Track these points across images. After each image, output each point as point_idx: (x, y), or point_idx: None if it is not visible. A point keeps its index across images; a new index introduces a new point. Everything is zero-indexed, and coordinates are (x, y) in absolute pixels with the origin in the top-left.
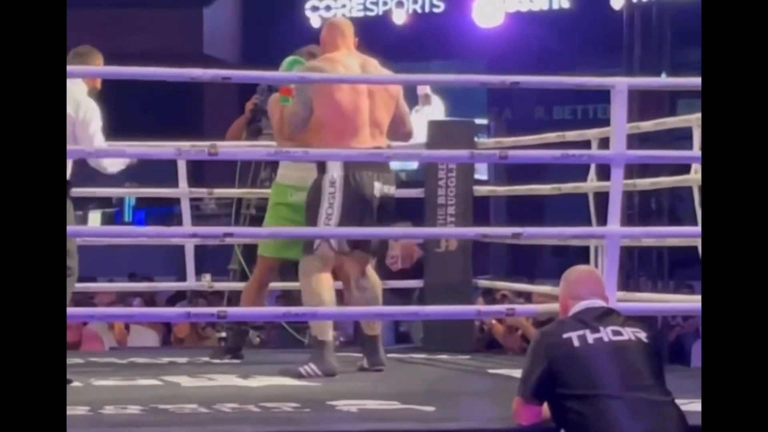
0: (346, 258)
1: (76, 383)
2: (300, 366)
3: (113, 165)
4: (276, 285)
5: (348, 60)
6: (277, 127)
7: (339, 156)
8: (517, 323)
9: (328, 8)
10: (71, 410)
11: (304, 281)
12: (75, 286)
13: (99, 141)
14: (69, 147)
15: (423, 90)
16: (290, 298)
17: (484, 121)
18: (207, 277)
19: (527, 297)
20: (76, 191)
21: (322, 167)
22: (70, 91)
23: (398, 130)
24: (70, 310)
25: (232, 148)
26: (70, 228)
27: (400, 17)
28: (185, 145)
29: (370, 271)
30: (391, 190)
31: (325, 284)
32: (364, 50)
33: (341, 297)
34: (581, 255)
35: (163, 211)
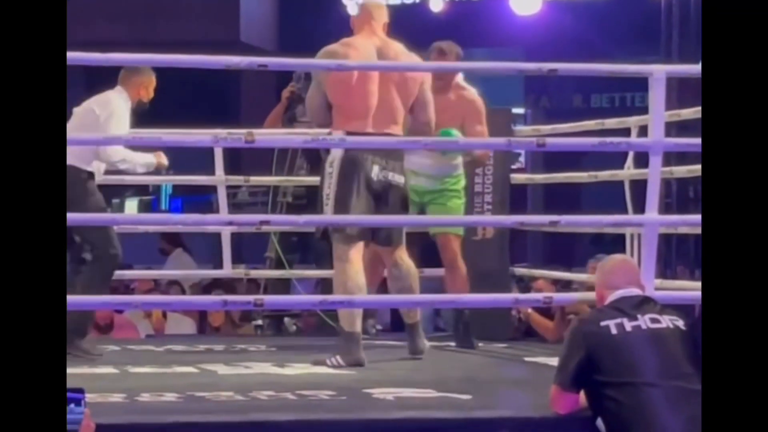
0: (376, 248)
1: (112, 369)
2: (327, 357)
3: (128, 163)
4: (313, 273)
5: (365, 43)
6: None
7: (375, 143)
8: (578, 309)
9: None
10: (108, 397)
11: (337, 268)
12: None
13: (113, 149)
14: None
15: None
16: (328, 285)
17: (521, 110)
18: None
19: (565, 285)
20: (113, 178)
21: (327, 151)
22: (104, 97)
23: (417, 118)
24: (107, 298)
25: (268, 135)
26: (107, 216)
27: (437, 4)
28: (222, 132)
29: (402, 259)
30: (397, 178)
31: (353, 273)
32: (400, 37)
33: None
34: (618, 243)
35: (200, 199)
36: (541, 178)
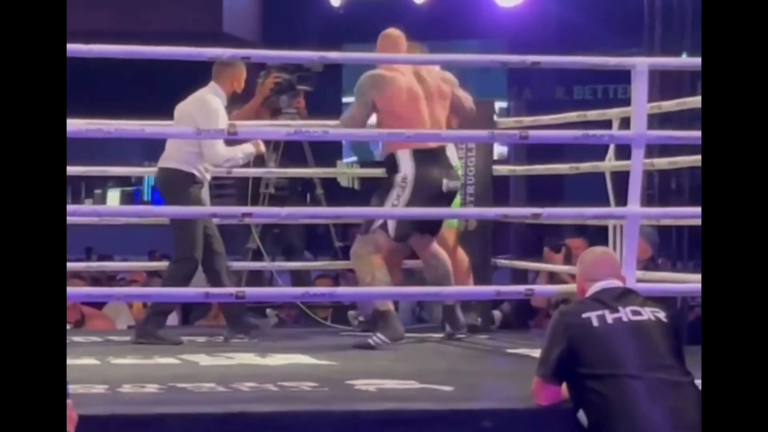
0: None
1: (94, 360)
2: (368, 338)
3: (232, 160)
4: (294, 265)
5: (406, 70)
6: None
7: (361, 135)
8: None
9: None
10: (90, 388)
11: (357, 263)
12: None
13: (216, 144)
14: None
15: None
16: (303, 277)
17: (503, 102)
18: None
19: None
20: (95, 170)
21: (395, 167)
22: (199, 96)
23: (460, 113)
24: (89, 290)
25: (251, 128)
26: (88, 207)
27: None
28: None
29: (436, 248)
30: (457, 185)
31: (377, 264)
32: (383, 29)
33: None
34: (601, 235)
35: None
36: (523, 169)
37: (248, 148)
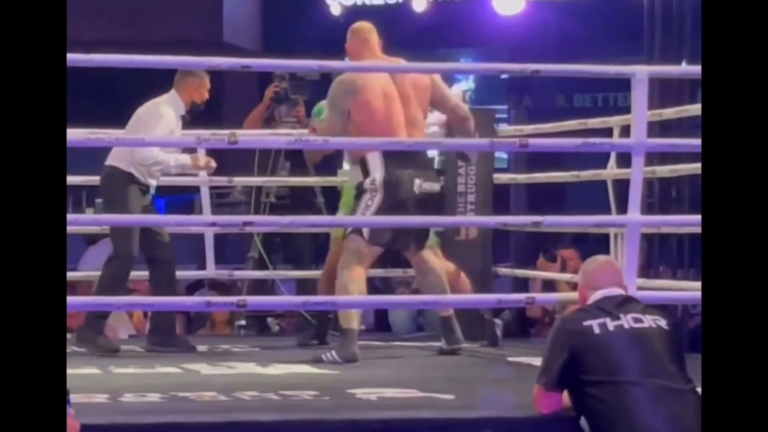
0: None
1: (95, 370)
2: (323, 353)
3: (159, 164)
4: (296, 274)
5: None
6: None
7: (355, 144)
8: None
9: None
10: (91, 398)
11: (339, 274)
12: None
13: (146, 152)
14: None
15: None
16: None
17: (504, 108)
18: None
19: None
20: (94, 180)
21: (365, 171)
22: (158, 100)
23: (452, 117)
24: (89, 299)
25: (251, 136)
26: (89, 216)
27: (420, 5)
28: (205, 133)
29: (428, 256)
30: (434, 186)
31: (356, 277)
32: (383, 38)
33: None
34: (601, 243)
35: (184, 199)
36: (523, 177)
37: (184, 159)
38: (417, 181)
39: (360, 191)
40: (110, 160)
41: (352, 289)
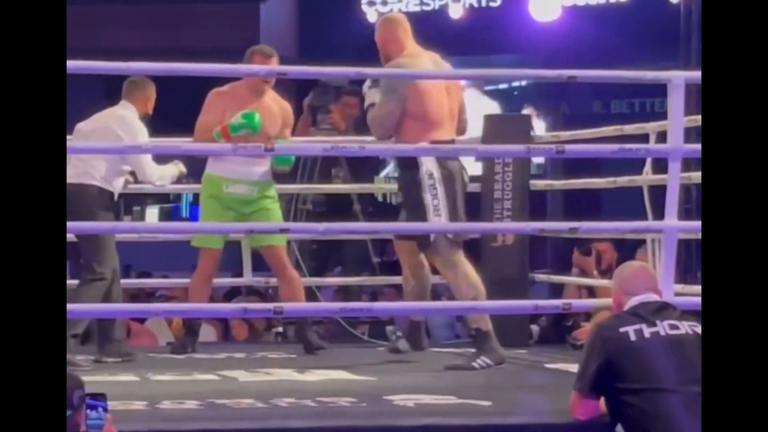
0: (403, 249)
1: (134, 377)
2: (472, 360)
3: (162, 179)
4: (333, 281)
5: (422, 54)
6: None
7: (392, 151)
8: None
9: (384, 3)
10: (129, 405)
11: (451, 273)
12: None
13: (149, 163)
14: (122, 145)
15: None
16: (348, 292)
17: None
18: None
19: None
20: (134, 187)
21: (413, 162)
22: (120, 114)
23: (458, 126)
24: (129, 306)
25: (287, 143)
26: (127, 224)
27: (456, 11)
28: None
29: (425, 260)
30: (467, 180)
31: (471, 270)
32: (421, 44)
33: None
34: (638, 249)
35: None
36: (560, 184)
37: (173, 170)
38: (464, 174)
39: (413, 185)
40: (86, 179)
41: (481, 289)
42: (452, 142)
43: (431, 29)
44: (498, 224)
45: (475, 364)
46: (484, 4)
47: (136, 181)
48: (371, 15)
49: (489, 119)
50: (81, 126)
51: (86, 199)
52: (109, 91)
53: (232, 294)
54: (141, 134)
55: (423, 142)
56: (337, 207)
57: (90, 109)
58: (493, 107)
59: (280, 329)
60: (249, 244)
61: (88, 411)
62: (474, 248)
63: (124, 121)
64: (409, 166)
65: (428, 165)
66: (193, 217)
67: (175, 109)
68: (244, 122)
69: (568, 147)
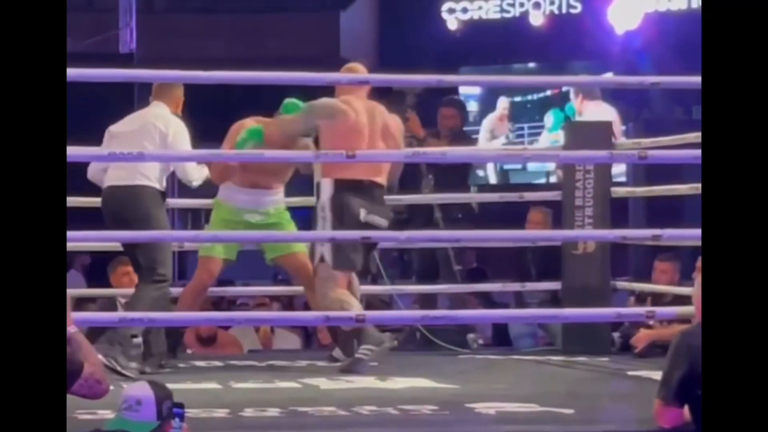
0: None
1: (216, 385)
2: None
3: (199, 181)
4: (413, 288)
5: (357, 102)
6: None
7: (475, 158)
8: None
9: (464, 10)
10: (212, 413)
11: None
12: (171, 291)
13: (191, 164)
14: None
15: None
16: (429, 301)
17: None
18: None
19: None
20: (210, 204)
21: (317, 192)
22: (157, 113)
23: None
24: (211, 314)
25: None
26: (209, 233)
27: (537, 18)
28: None
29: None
30: (382, 222)
31: (341, 294)
32: (500, 50)
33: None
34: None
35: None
36: (642, 191)
37: (207, 172)
38: (362, 211)
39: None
40: (140, 180)
41: (351, 301)
42: (362, 182)
43: (511, 36)
44: (579, 231)
45: (359, 355)
46: (564, 11)
47: None
48: (451, 22)
49: (570, 126)
50: (115, 128)
51: (144, 200)
52: (191, 99)
53: None
54: (183, 131)
55: (325, 178)
56: (418, 215)
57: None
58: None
59: None
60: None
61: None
62: (555, 256)
63: (163, 118)
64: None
65: (324, 198)
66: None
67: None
68: (246, 136)
69: (650, 153)
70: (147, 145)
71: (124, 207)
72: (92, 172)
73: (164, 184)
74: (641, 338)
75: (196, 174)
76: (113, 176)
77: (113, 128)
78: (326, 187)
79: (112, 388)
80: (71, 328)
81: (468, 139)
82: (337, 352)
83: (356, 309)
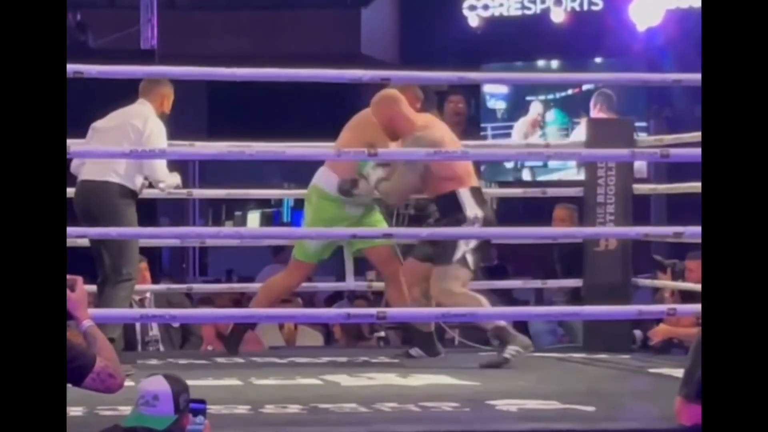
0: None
1: (237, 381)
2: (501, 353)
3: (168, 186)
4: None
5: (434, 122)
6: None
7: (496, 156)
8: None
9: (486, 7)
10: (233, 409)
11: (450, 301)
12: (135, 289)
13: (161, 166)
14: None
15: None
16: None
17: (643, 121)
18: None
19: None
20: (234, 193)
21: (455, 206)
22: (138, 111)
23: None
24: (231, 311)
25: (390, 149)
26: (229, 229)
27: (558, 15)
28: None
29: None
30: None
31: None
32: (522, 47)
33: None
34: None
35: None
36: (664, 188)
37: (177, 180)
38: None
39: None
40: (110, 176)
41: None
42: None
43: (533, 33)
44: (601, 228)
45: (506, 355)
46: (585, 8)
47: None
48: (472, 19)
49: (592, 123)
50: (98, 124)
51: (111, 197)
52: (211, 96)
53: (334, 298)
54: (160, 131)
55: (463, 188)
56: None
57: (191, 114)
58: None
59: (383, 333)
60: (351, 249)
61: (191, 416)
62: (577, 253)
63: (143, 116)
64: (449, 209)
65: (474, 211)
66: (295, 221)
67: (276, 114)
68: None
69: (672, 151)
70: (123, 142)
71: (92, 202)
72: (74, 166)
73: (137, 182)
74: (658, 332)
75: (168, 177)
76: (87, 171)
77: (96, 124)
78: (467, 196)
79: (128, 383)
80: (87, 322)
81: (474, 129)
82: (415, 351)
83: (487, 306)
